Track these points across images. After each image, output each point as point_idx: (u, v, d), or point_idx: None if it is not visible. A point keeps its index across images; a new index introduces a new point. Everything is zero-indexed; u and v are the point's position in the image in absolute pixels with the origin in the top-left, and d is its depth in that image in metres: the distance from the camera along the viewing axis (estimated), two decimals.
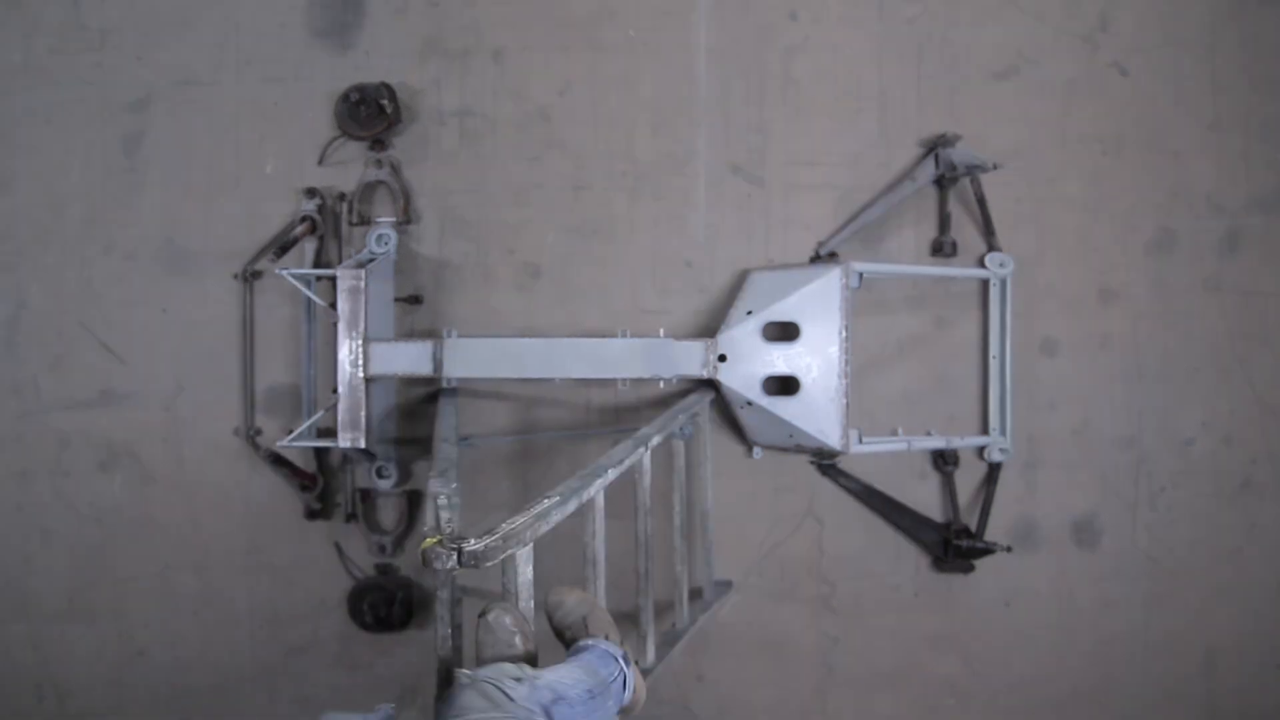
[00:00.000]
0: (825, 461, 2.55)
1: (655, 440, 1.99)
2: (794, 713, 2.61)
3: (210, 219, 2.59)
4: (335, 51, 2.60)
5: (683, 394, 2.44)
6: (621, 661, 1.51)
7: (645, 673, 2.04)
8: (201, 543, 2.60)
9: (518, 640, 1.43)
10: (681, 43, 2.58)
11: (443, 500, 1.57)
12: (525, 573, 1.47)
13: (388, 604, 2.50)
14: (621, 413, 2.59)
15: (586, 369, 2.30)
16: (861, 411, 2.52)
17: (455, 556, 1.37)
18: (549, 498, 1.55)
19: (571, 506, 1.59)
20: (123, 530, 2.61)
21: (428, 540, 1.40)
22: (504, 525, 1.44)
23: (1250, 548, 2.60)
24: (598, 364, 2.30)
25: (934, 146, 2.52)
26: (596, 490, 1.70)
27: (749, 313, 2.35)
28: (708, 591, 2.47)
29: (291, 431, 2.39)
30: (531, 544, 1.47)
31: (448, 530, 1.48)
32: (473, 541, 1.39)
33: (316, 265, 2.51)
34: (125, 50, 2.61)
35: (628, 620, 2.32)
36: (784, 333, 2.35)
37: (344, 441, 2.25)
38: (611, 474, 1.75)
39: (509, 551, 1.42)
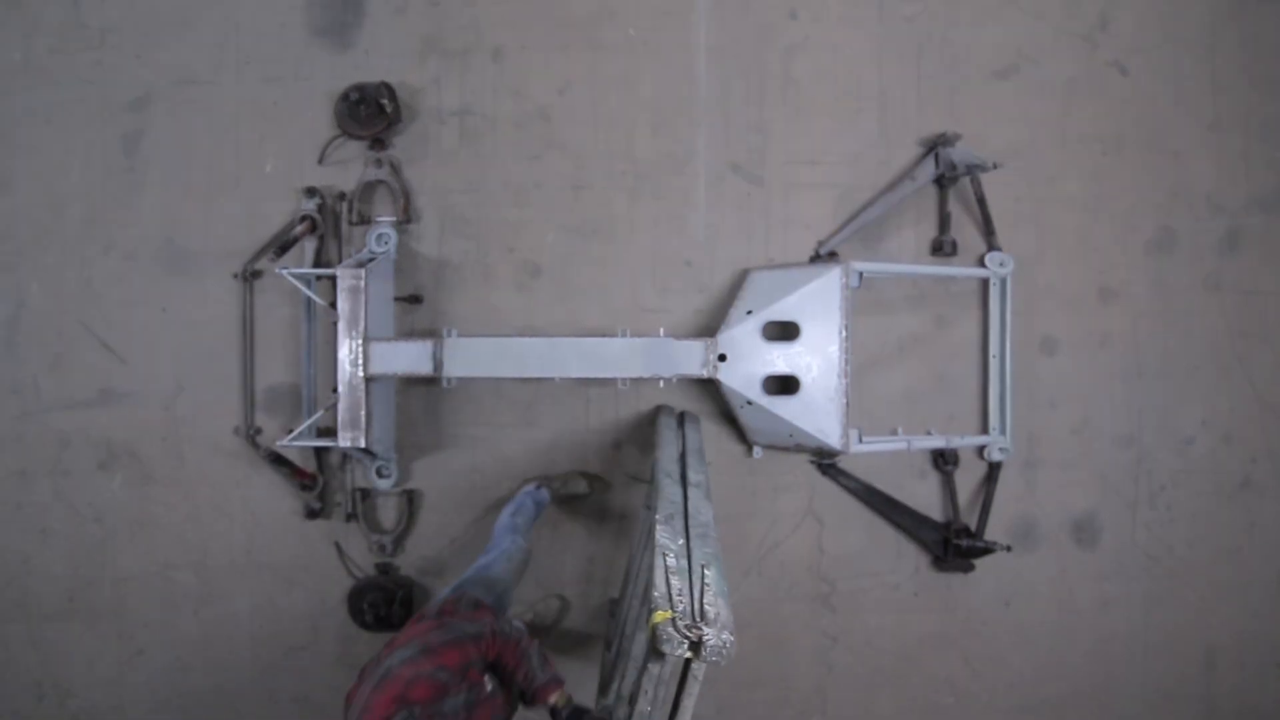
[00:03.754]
0: (825, 461, 2.55)
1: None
2: (794, 712, 2.61)
3: (210, 219, 2.59)
4: (335, 51, 2.60)
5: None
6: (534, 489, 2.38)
7: None
8: (201, 543, 2.60)
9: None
10: (681, 42, 2.58)
11: (671, 561, 1.35)
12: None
13: (388, 603, 2.50)
14: (621, 410, 2.59)
15: (587, 368, 2.29)
16: (861, 411, 2.52)
17: (689, 646, 1.19)
18: (705, 567, 1.37)
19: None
20: (122, 530, 2.61)
21: (659, 614, 1.21)
22: (713, 608, 1.26)
23: (1250, 546, 2.61)
24: (598, 363, 2.30)
25: (934, 146, 2.52)
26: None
27: (749, 312, 2.35)
28: None
29: (291, 431, 2.39)
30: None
31: (680, 607, 1.28)
32: (710, 634, 1.20)
33: (316, 265, 2.51)
34: (125, 50, 2.60)
35: None
36: (784, 332, 2.35)
37: (344, 441, 2.25)
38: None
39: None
